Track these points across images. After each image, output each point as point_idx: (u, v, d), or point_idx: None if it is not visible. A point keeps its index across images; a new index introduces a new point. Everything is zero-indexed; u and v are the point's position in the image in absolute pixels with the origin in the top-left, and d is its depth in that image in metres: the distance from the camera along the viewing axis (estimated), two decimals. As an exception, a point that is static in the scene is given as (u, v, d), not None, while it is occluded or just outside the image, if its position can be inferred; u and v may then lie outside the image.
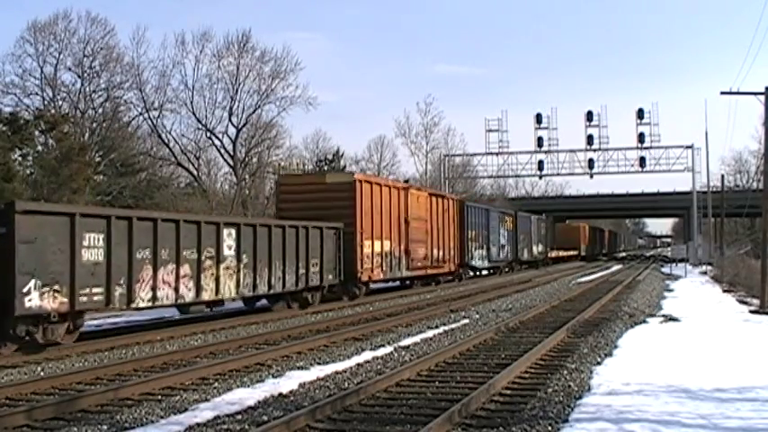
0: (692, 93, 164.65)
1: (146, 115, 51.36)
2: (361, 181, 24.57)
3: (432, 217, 30.89)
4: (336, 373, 11.04)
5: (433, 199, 31.79)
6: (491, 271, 42.89)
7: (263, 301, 20.82)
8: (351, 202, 23.68)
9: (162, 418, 8.36)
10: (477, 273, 40.25)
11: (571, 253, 71.01)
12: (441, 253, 31.91)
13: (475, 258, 37.71)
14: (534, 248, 53.29)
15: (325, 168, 61.80)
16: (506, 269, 45.44)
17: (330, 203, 23.29)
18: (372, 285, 26.68)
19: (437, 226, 31.56)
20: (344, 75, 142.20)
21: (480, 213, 39.43)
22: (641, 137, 58.27)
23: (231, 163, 53.63)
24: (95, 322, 17.87)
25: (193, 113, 52.83)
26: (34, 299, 12.22)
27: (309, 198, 23.84)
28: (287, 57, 54.55)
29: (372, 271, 24.73)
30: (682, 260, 49.32)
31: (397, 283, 30.65)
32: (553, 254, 63.52)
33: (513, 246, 46.75)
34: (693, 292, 28.23)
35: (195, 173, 53.58)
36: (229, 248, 17.21)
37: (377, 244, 24.98)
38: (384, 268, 25.68)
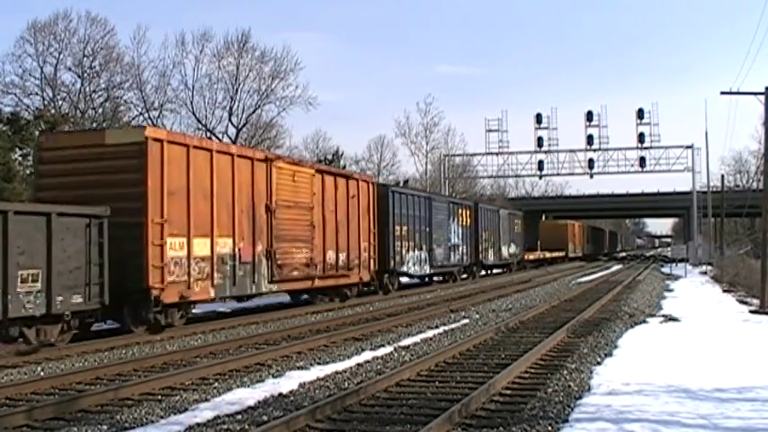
0: (692, 93, 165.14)
1: (146, 115, 51.35)
2: (161, 141, 15.42)
3: (324, 205, 21.52)
4: (336, 373, 11.04)
5: (328, 179, 22.07)
6: (444, 278, 34.76)
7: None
8: (140, 174, 14.95)
9: (162, 418, 8.36)
10: (427, 280, 33.58)
11: (556, 254, 63.29)
12: (342, 257, 22.55)
13: (408, 263, 28.37)
14: (504, 249, 44.35)
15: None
16: (464, 275, 37.07)
17: (112, 177, 15.07)
18: (209, 306, 19.59)
19: (336, 218, 22.17)
20: (344, 75, 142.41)
21: (417, 204, 29.77)
22: (641, 137, 58.30)
23: (231, 163, 53.58)
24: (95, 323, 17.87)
25: (193, 113, 52.90)
26: None
27: (82, 169, 15.37)
28: (287, 57, 54.57)
29: (190, 286, 15.84)
30: (682, 260, 49.33)
31: (287, 298, 23.07)
32: (532, 255, 56.15)
33: (472, 246, 37.62)
34: (693, 292, 28.24)
35: (195, 173, 53.54)
36: None
37: (199, 243, 16.15)
38: (218, 281, 16.76)
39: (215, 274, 16.69)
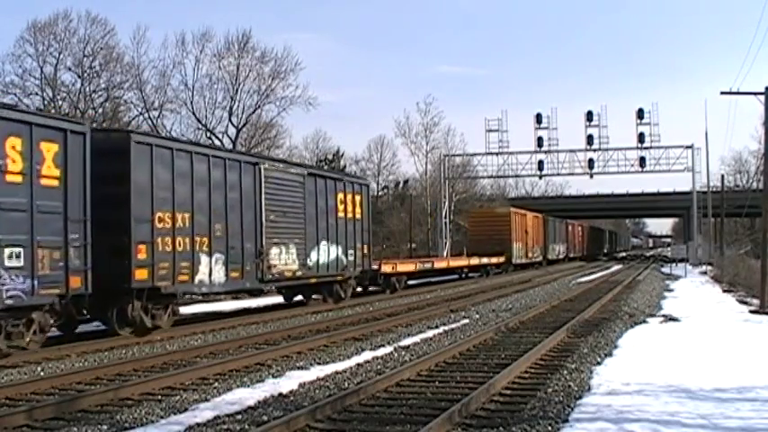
0: (692, 93, 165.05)
1: (146, 115, 51.34)
2: None
3: None
4: (336, 373, 11.04)
5: None
6: None
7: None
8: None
9: (162, 418, 8.36)
10: None
11: (485, 260, 41.35)
12: None
13: None
14: (293, 255, 20.51)
15: (325, 169, 61.59)
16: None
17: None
18: None
19: None
20: (344, 75, 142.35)
21: None
22: (641, 137, 58.21)
23: (231, 163, 53.53)
24: (95, 322, 17.85)
25: (193, 113, 52.83)
26: None
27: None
28: (287, 57, 54.44)
29: None
30: (682, 260, 49.32)
31: None
32: (407, 266, 30.89)
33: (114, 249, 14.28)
34: (693, 292, 28.23)
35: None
36: None
37: None
38: None
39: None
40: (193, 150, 16.83)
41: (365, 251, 24.96)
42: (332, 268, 22.67)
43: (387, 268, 27.96)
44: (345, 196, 23.64)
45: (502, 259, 44.20)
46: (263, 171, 19.12)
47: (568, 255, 67.52)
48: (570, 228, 70.18)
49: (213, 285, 17.09)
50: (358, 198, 24.50)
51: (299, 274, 20.80)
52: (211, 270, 16.82)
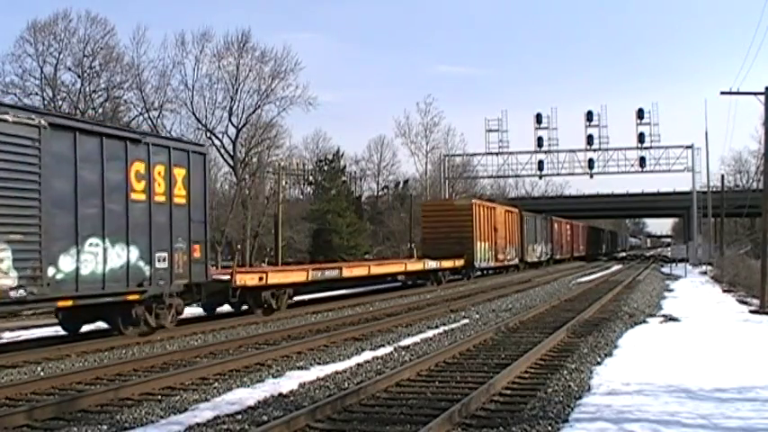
0: (692, 93, 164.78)
1: (146, 115, 51.37)
2: None
3: None
4: (336, 373, 11.04)
5: None
6: None
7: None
8: None
9: (162, 418, 8.36)
10: None
11: (433, 265, 32.05)
12: None
13: None
14: (65, 264, 12.76)
15: (325, 169, 61.63)
16: None
17: None
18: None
19: None
20: (344, 75, 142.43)
21: None
22: (641, 137, 58.40)
23: (231, 163, 53.71)
24: (95, 322, 17.85)
25: (193, 113, 52.85)
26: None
27: None
28: (287, 57, 54.54)
29: None
30: (682, 260, 49.33)
31: None
32: (286, 276, 20.77)
33: None
34: (693, 292, 28.23)
35: (195, 173, 53.48)
36: None
37: None
38: None
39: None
40: None
41: (197, 254, 16.00)
42: (115, 281, 13.90)
43: (247, 279, 18.64)
44: (151, 168, 14.77)
45: (460, 262, 35.21)
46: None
47: (554, 256, 58.00)
48: (556, 225, 60.25)
49: None
50: (180, 173, 15.61)
51: (19, 293, 11.93)
52: None
